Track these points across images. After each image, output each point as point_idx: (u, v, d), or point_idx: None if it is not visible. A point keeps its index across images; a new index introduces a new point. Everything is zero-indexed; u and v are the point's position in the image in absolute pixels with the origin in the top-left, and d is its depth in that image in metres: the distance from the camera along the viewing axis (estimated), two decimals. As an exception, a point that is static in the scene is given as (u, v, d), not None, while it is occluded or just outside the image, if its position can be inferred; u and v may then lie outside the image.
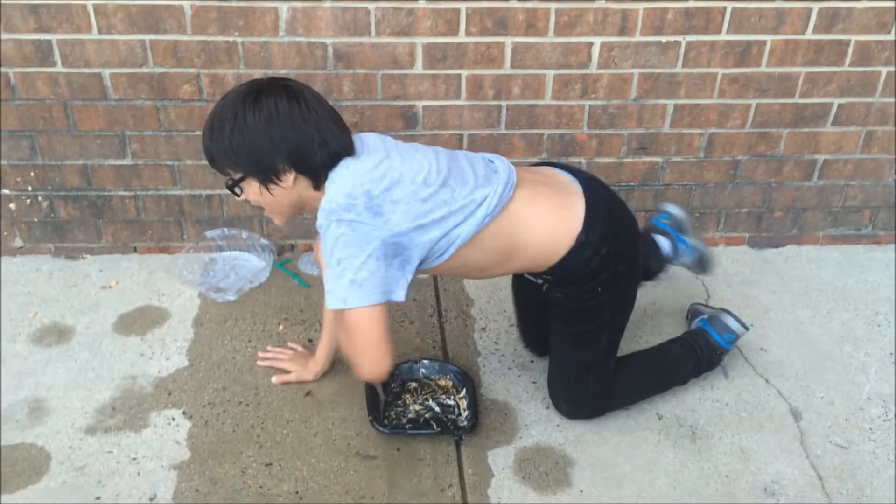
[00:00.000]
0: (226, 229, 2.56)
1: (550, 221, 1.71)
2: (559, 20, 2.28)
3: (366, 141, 1.69)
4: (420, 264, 1.66)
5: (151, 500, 1.74)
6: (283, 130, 1.55)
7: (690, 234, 2.24)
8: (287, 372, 2.09)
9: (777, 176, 2.62)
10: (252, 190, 1.64)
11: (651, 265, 2.14)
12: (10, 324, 2.26)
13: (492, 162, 1.77)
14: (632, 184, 2.60)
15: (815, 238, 2.76)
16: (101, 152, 2.40)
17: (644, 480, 1.83)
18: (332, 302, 1.59)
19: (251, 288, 2.45)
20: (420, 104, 2.39)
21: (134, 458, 1.84)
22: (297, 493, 1.77)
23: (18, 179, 2.43)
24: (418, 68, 2.33)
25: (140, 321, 2.29)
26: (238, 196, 1.67)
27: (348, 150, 1.62)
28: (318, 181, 1.62)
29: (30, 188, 2.45)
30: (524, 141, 2.48)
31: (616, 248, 1.74)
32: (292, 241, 2.64)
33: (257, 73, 2.29)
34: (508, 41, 2.30)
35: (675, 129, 2.50)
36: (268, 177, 1.61)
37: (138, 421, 1.95)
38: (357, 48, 2.28)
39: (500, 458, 1.88)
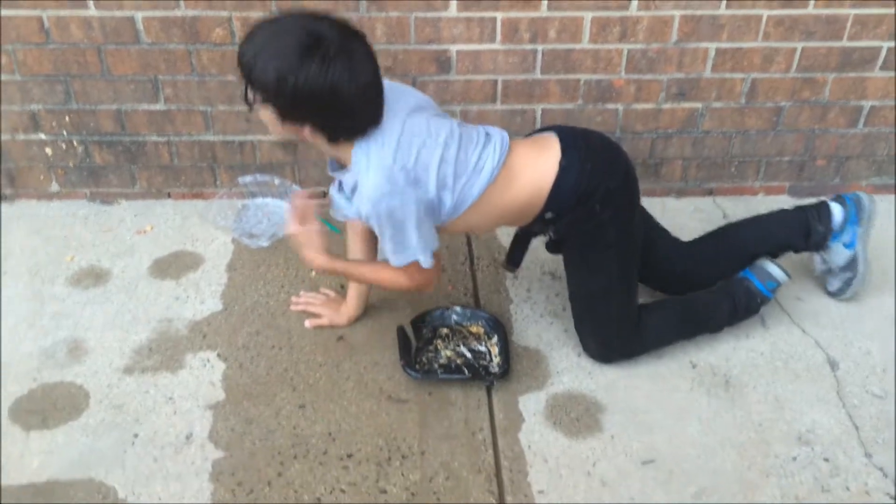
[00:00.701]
0: (258, 175, 2.56)
1: (535, 164, 1.79)
2: (597, -41, 2.21)
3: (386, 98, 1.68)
4: None
5: (188, 437, 1.77)
6: (325, 104, 1.54)
7: (864, 232, 2.12)
8: (320, 316, 2.10)
9: (821, 123, 2.54)
10: (266, 114, 1.62)
11: (817, 227, 2.09)
12: (48, 267, 2.30)
13: (487, 133, 1.82)
14: (669, 131, 2.54)
15: (858, 187, 2.69)
16: (134, 97, 2.40)
17: (676, 427, 1.82)
18: (402, 261, 1.74)
19: (284, 235, 2.45)
20: (454, 48, 2.34)
21: (170, 398, 1.87)
22: (329, 434, 1.79)
23: (54, 124, 2.44)
24: (452, 11, 2.28)
25: (175, 265, 2.31)
26: (248, 106, 1.64)
27: (375, 125, 1.64)
28: (336, 142, 1.66)
29: (65, 133, 2.46)
30: (560, 87, 2.43)
31: (599, 164, 1.80)
32: (324, 189, 2.63)
33: (289, 16, 2.26)
34: (545, -18, 2.24)
35: (716, 74, 2.43)
36: (289, 121, 1.61)
37: (174, 362, 1.98)
38: (389, -10, 2.24)
39: (531, 404, 1.88)
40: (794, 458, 1.74)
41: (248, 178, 2.55)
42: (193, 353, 2.01)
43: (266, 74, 1.51)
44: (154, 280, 2.26)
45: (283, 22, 1.53)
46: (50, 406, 1.84)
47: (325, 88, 1.50)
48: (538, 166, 1.79)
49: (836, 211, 2.10)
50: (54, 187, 2.58)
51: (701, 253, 2.13)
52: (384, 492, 1.67)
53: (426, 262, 1.74)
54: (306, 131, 1.62)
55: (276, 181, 2.56)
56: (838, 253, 2.13)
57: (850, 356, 2.02)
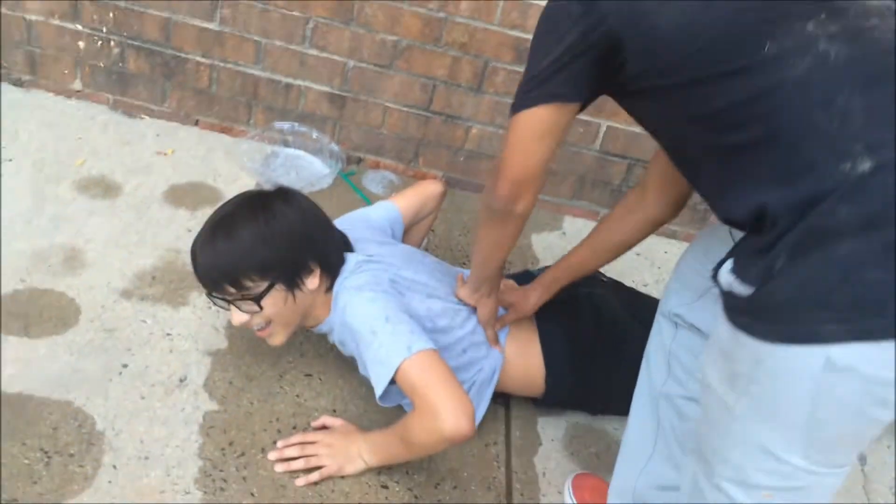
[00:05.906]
0: (296, 124, 2.39)
1: (521, 377, 1.69)
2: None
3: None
4: None
5: (181, 381, 1.60)
6: (309, 226, 1.51)
7: None
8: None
9: None
10: (274, 301, 1.47)
11: None
12: (55, 165, 2.10)
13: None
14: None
15: None
16: (189, 9, 2.22)
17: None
18: (395, 357, 1.38)
19: (310, 192, 2.29)
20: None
21: (168, 334, 1.70)
22: (334, 411, 1.63)
23: (95, 17, 2.25)
24: None
25: (192, 196, 2.14)
26: (248, 312, 1.50)
27: (349, 246, 1.61)
28: (333, 280, 1.54)
29: (104, 29, 2.27)
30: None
31: (587, 390, 1.71)
32: (360, 155, 2.48)
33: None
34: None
35: None
36: (296, 278, 1.48)
37: (177, 297, 1.80)
38: (487, -37, 2.10)
39: (550, 429, 1.74)
40: None
41: (285, 125, 2.39)
42: (199, 292, 1.82)
43: (245, 239, 1.43)
44: (167, 206, 2.08)
45: (221, 210, 1.50)
46: (35, 313, 1.65)
47: (300, 215, 1.50)
48: (527, 382, 1.70)
49: None
50: (77, 85, 2.38)
51: None
52: (385, 487, 1.51)
53: (424, 343, 1.40)
54: (315, 280, 1.49)
55: (315, 135, 2.39)
56: None
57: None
